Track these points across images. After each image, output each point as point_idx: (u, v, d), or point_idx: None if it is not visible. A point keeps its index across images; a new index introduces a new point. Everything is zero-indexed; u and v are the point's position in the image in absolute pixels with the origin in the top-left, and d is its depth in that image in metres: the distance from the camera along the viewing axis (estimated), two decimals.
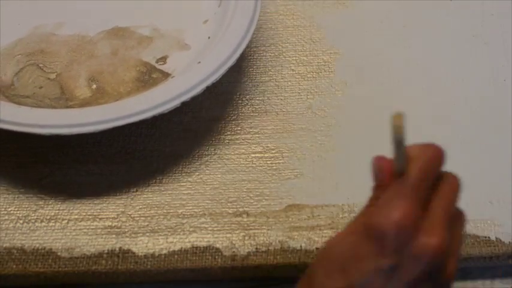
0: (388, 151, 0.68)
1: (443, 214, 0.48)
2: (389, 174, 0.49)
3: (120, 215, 0.65)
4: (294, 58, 0.75)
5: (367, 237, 0.46)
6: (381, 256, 0.46)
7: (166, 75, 0.70)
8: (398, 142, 0.47)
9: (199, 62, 0.68)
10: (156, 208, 0.65)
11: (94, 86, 0.70)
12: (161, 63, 0.72)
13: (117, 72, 0.71)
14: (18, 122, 0.63)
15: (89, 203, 0.66)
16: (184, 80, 0.66)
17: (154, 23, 0.75)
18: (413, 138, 0.68)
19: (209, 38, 0.71)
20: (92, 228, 0.64)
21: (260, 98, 0.72)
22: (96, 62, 0.72)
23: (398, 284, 0.47)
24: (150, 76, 0.71)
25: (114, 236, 0.63)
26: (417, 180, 0.47)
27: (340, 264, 0.47)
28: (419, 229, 0.46)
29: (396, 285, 0.47)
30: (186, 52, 0.72)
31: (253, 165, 0.67)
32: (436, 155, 0.49)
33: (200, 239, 0.63)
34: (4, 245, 0.63)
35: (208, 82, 0.65)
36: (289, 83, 0.73)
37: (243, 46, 0.68)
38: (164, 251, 0.63)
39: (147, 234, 0.64)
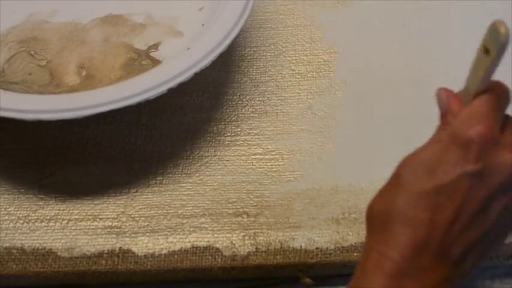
0: (387, 151, 0.68)
1: None
2: (458, 102, 0.55)
3: (120, 215, 0.65)
4: (294, 58, 0.75)
5: (454, 145, 0.51)
6: (466, 162, 0.51)
7: (156, 62, 0.70)
8: (503, 45, 0.50)
9: (189, 49, 0.67)
10: (156, 208, 0.65)
11: (84, 73, 0.70)
12: (153, 50, 0.71)
13: (108, 59, 0.71)
14: (2, 107, 0.62)
15: (89, 203, 0.66)
16: (172, 66, 0.65)
17: (148, 11, 0.74)
18: (413, 137, 0.69)
19: (203, 25, 0.71)
20: (92, 228, 0.64)
21: (260, 99, 0.72)
22: (87, 49, 0.72)
23: (480, 191, 0.51)
24: (140, 63, 0.70)
25: (114, 236, 0.64)
26: (496, 102, 0.53)
27: (428, 167, 0.52)
28: (499, 144, 0.52)
29: (478, 192, 0.51)
30: (179, 39, 0.72)
31: (253, 166, 0.67)
32: (506, 89, 0.54)
33: (200, 239, 0.63)
34: (4, 245, 0.63)
35: (197, 68, 0.64)
36: (289, 83, 0.73)
37: (235, 33, 0.67)
38: (164, 251, 0.63)
39: (147, 234, 0.64)
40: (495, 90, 0.53)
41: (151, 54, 0.71)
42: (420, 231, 0.51)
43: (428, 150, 0.53)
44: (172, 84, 0.63)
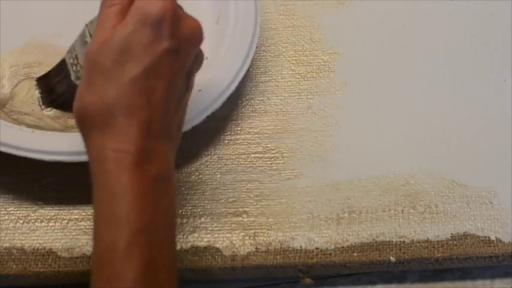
0: (386, 150, 0.68)
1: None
2: None
3: None
4: (294, 58, 0.75)
5: (146, 26, 0.52)
6: (163, 40, 0.52)
7: None
8: None
9: (200, 90, 0.66)
10: None
11: None
12: None
13: None
14: (20, 146, 0.63)
15: (89, 203, 0.65)
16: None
17: None
18: (412, 136, 0.69)
19: (206, 58, 0.65)
20: (92, 228, 0.64)
21: (260, 98, 0.72)
22: None
23: (181, 62, 0.54)
24: None
25: None
26: None
27: (127, 53, 0.52)
28: (181, 15, 0.54)
29: (179, 64, 0.54)
30: None
31: (253, 165, 0.67)
32: None
33: (200, 239, 0.63)
34: (4, 245, 0.63)
35: (209, 112, 0.65)
36: (289, 83, 0.73)
37: (245, 69, 0.68)
38: None
39: None
40: None
41: None
42: (143, 116, 0.52)
43: (118, 35, 0.52)
44: (186, 128, 0.63)
